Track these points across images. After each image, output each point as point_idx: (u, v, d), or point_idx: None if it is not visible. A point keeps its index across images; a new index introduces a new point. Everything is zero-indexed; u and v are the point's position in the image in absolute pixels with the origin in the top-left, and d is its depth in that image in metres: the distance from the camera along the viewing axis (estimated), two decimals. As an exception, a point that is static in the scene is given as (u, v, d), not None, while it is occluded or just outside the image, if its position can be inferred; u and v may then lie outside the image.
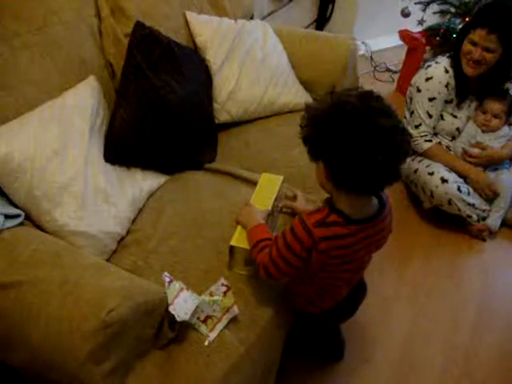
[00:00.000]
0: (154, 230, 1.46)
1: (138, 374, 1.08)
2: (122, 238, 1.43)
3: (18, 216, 1.25)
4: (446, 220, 2.27)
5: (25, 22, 1.42)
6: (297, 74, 2.04)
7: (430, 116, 2.22)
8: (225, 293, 1.23)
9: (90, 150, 1.40)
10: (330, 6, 3.31)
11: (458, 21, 2.96)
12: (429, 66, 2.23)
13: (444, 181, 2.12)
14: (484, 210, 2.21)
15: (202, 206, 1.53)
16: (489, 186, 2.18)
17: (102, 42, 1.63)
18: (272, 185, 1.48)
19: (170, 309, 1.11)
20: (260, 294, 1.31)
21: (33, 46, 1.42)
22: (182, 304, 1.15)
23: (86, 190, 1.34)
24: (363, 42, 3.49)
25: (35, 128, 1.31)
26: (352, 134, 0.95)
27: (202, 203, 1.54)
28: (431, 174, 2.16)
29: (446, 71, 2.17)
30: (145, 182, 1.56)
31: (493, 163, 2.24)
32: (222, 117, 1.86)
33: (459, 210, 2.15)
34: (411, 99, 2.30)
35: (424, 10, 2.94)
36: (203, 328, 1.19)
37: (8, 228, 1.21)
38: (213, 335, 1.19)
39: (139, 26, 1.58)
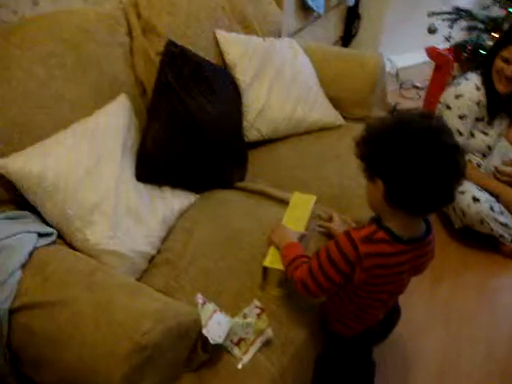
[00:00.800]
0: (184, 249, 1.44)
1: (171, 397, 1.06)
2: (153, 258, 1.42)
3: (50, 234, 1.25)
4: (477, 240, 2.21)
5: (60, 41, 1.44)
6: (325, 91, 2.03)
7: (461, 134, 2.18)
8: (258, 315, 1.20)
9: (122, 168, 1.40)
10: (356, 23, 3.31)
11: (485, 37, 2.93)
12: (459, 83, 2.20)
13: (476, 200, 2.07)
14: (517, 230, 2.15)
15: (233, 226, 1.51)
16: (522, 205, 2.13)
17: (133, 61, 1.64)
18: (304, 205, 1.45)
19: (204, 331, 1.09)
20: (293, 316, 1.28)
21: (67, 64, 1.43)
22: (216, 326, 1.13)
23: (118, 209, 1.34)
24: (388, 59, 3.46)
25: (68, 147, 1.32)
26: (417, 151, 0.94)
27: (232, 223, 1.53)
28: (462, 193, 2.11)
29: (477, 88, 2.14)
30: (175, 200, 1.55)
31: (526, 182, 2.19)
32: (251, 135, 1.85)
33: (492, 229, 2.10)
34: (440, 116, 2.27)
35: (451, 27, 2.92)
36: (236, 351, 1.16)
37: (41, 246, 1.21)
38: (246, 358, 1.16)
39: (171, 44, 1.59)
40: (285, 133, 1.90)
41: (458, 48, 2.90)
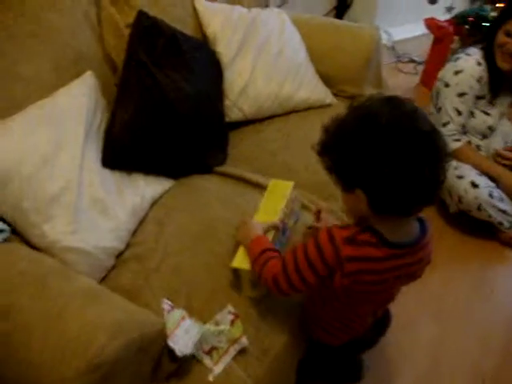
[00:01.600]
0: (156, 243, 1.32)
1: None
2: (122, 252, 1.29)
3: (2, 231, 1.13)
4: (473, 225, 2.10)
5: (11, 9, 1.28)
6: (316, 67, 1.87)
7: (460, 113, 2.04)
8: (232, 321, 1.09)
9: (86, 155, 1.26)
10: (351, -7, 3.12)
11: (488, 7, 2.75)
12: (458, 58, 2.05)
13: (475, 186, 1.95)
14: (517, 216, 2.03)
15: (211, 216, 1.38)
16: (523, 190, 2.00)
17: (101, 33, 1.49)
18: (281, 193, 1.31)
19: (170, 343, 0.98)
20: (272, 320, 1.17)
21: (22, 36, 1.28)
22: (183, 335, 1.02)
23: (81, 200, 1.21)
24: (385, 31, 3.28)
25: (22, 131, 1.18)
26: (396, 147, 0.81)
27: (210, 212, 1.40)
28: (460, 177, 1.98)
29: (479, 64, 1.99)
30: (147, 188, 1.42)
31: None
32: (233, 114, 1.70)
33: (490, 216, 1.98)
34: (438, 94, 2.12)
35: (453, -3, 2.74)
36: (207, 360, 1.06)
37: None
38: (218, 369, 1.05)
39: (142, 15, 1.43)
40: (270, 112, 1.76)
41: (458, 20, 2.73)
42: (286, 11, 1.99)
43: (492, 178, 2.01)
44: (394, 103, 0.86)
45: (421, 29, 3.37)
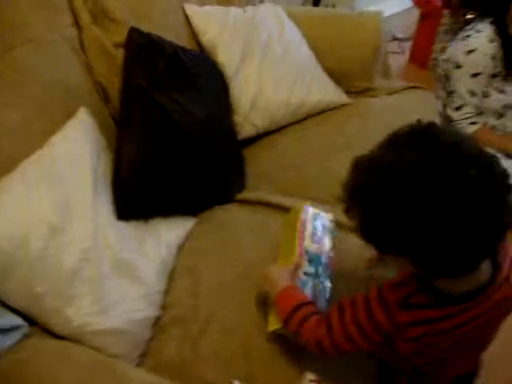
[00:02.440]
0: (194, 299, 1.12)
1: None
2: (158, 318, 1.09)
3: (18, 328, 0.90)
4: None
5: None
6: (321, 64, 1.69)
7: (474, 94, 1.90)
8: None
9: (98, 211, 1.05)
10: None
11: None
12: (468, 35, 1.89)
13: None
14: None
15: (244, 256, 1.20)
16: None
17: (86, 59, 1.26)
18: (294, 224, 1.09)
19: None
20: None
21: (-1, 82, 1.05)
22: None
23: (103, 269, 1.00)
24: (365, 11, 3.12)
25: (20, 198, 0.95)
26: (448, 205, 0.64)
27: (242, 251, 1.21)
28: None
29: (491, 40, 1.84)
30: (170, 233, 1.21)
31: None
32: (245, 131, 1.50)
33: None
34: (448, 76, 1.97)
35: (439, -35, 2.59)
36: None
37: (10, 348, 0.87)
38: None
39: (134, 33, 1.21)
40: (283, 122, 1.56)
41: (446, -8, 2.58)
42: (276, 4, 1.79)
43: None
44: (420, 141, 0.69)
45: (400, 4, 3.23)
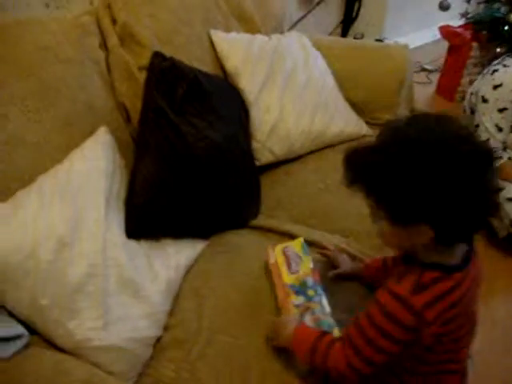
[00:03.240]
0: (198, 322, 1.12)
1: None
2: (159, 338, 1.10)
3: (18, 337, 0.92)
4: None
5: (12, 66, 1.09)
6: (344, 95, 1.69)
7: (500, 129, 1.87)
8: None
9: (108, 229, 1.07)
10: (357, 5, 2.95)
11: (507, 9, 2.60)
12: (495, 70, 1.88)
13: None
14: None
15: (253, 282, 1.19)
16: None
17: (111, 80, 1.30)
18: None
19: None
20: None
21: (24, 96, 1.09)
22: None
23: (108, 286, 1.02)
24: (394, 41, 3.13)
25: (34, 211, 0.98)
26: (461, 171, 0.75)
27: (252, 276, 1.21)
28: (510, 199, 1.81)
29: (519, 76, 1.82)
30: (179, 255, 1.22)
31: None
32: (263, 157, 1.51)
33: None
34: (472, 110, 1.96)
35: (468, 1, 2.58)
36: None
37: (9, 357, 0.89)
38: None
39: (157, 56, 1.25)
40: (302, 151, 1.57)
41: (476, 25, 2.57)
42: (301, 32, 1.81)
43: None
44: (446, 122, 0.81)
45: (431, 36, 3.22)
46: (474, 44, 2.61)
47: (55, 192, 1.03)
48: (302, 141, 1.54)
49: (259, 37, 1.57)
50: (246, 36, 1.55)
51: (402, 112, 1.78)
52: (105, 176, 1.10)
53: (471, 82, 2.26)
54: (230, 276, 1.23)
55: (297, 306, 1.03)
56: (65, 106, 1.15)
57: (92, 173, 1.08)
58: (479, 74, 2.07)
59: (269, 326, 1.05)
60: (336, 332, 0.99)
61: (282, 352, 1.01)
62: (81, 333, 0.96)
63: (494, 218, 1.88)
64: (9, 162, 1.04)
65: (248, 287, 1.19)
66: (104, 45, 1.31)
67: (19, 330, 0.93)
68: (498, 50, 2.40)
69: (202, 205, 1.27)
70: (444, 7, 2.68)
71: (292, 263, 1.12)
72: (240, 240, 1.34)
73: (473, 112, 1.96)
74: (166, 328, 1.12)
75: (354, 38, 3.02)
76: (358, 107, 1.71)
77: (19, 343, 0.92)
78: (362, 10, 2.97)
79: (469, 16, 2.60)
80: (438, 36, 2.86)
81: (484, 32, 2.56)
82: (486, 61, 2.41)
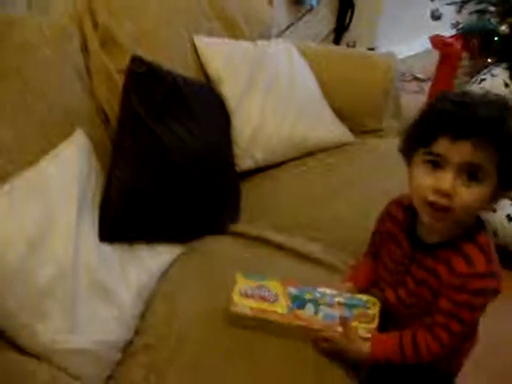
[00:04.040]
0: (168, 327, 1.11)
1: None
2: (129, 341, 1.09)
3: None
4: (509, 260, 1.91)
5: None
6: (329, 101, 1.70)
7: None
8: None
9: (81, 232, 1.06)
10: (350, 13, 2.96)
11: (497, 21, 2.61)
12: (483, 79, 1.90)
13: (510, 219, 1.78)
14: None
15: (225, 291, 1.17)
16: None
17: (91, 83, 1.30)
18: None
19: None
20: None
21: (1, 97, 1.09)
22: None
23: (77, 288, 1.01)
24: (387, 50, 3.14)
25: (3, 213, 0.98)
26: None
27: (224, 285, 1.18)
28: (494, 210, 1.81)
29: (506, 85, 1.84)
30: (153, 259, 1.22)
31: None
32: (244, 164, 1.51)
33: (529, 250, 1.81)
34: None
35: (459, 11, 2.59)
36: None
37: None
38: None
39: (135, 61, 1.25)
40: (284, 157, 1.57)
41: (466, 35, 2.58)
42: (288, 39, 1.82)
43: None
44: None
45: (422, 45, 3.23)
46: (465, 54, 2.62)
47: (26, 194, 1.02)
48: (284, 147, 1.55)
49: (243, 43, 1.58)
50: (230, 41, 1.56)
51: (389, 120, 1.79)
52: (78, 179, 1.10)
53: (460, 92, 2.27)
54: (203, 282, 1.22)
55: (315, 315, 1.02)
56: (42, 108, 1.15)
57: (65, 176, 1.08)
58: (467, 83, 2.08)
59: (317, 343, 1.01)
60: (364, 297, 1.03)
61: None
62: (47, 335, 0.95)
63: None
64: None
65: (221, 294, 1.17)
66: (85, 48, 1.31)
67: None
68: (489, 60, 2.41)
69: (179, 210, 1.27)
70: (436, 17, 2.69)
71: (263, 294, 1.07)
72: (218, 246, 1.34)
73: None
74: (137, 332, 1.11)
75: (347, 46, 3.04)
76: (342, 115, 1.71)
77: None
78: (355, 18, 2.98)
79: (460, 26, 2.61)
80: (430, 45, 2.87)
81: (475, 42, 2.57)
82: (476, 71, 2.42)
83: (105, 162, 1.24)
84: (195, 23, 1.53)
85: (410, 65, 3.24)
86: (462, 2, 2.56)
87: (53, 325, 0.96)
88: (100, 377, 1.01)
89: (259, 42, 1.63)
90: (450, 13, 2.68)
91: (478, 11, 2.60)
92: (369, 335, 0.97)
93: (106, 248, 1.13)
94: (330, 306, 1.04)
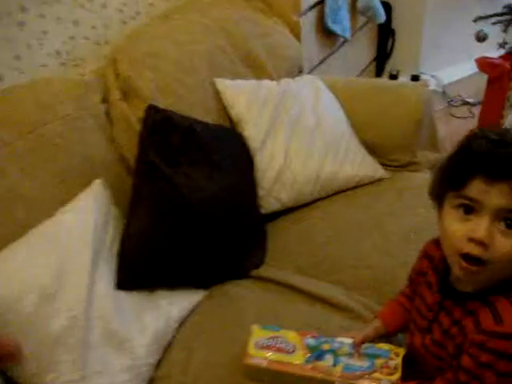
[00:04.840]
0: (184, 376, 1.10)
1: None
2: (143, 391, 1.09)
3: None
4: None
5: (13, 125, 1.16)
6: (359, 136, 1.65)
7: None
8: None
9: (96, 280, 1.08)
10: (391, 41, 2.91)
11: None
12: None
13: None
14: None
15: (247, 337, 1.15)
16: None
17: (112, 133, 1.34)
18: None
19: None
20: None
21: (24, 154, 1.15)
22: None
23: (90, 337, 1.02)
24: (432, 76, 3.03)
25: (20, 263, 1.02)
26: None
27: (245, 332, 1.15)
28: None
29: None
30: (172, 306, 1.22)
31: None
32: (269, 205, 1.49)
33: None
34: None
35: (505, 31, 2.47)
36: None
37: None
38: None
39: (151, 109, 1.28)
40: (311, 197, 1.52)
41: (515, 55, 2.45)
42: (323, 73, 1.80)
43: None
44: None
45: (470, 68, 3.09)
46: (515, 74, 2.48)
47: (42, 244, 1.06)
48: (310, 187, 1.50)
49: (266, 82, 1.57)
50: (252, 82, 1.56)
51: (424, 152, 1.71)
52: (94, 229, 1.12)
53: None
54: (223, 330, 1.20)
55: (334, 366, 0.98)
56: (62, 160, 1.20)
57: (80, 225, 1.11)
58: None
59: None
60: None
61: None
62: (57, 385, 0.97)
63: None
64: (4, 216, 1.09)
65: (241, 342, 1.15)
66: (106, 99, 1.36)
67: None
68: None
69: (199, 256, 1.26)
70: (481, 38, 2.57)
71: (280, 345, 1.03)
72: (240, 291, 1.31)
73: None
74: (153, 380, 1.11)
75: (390, 75, 2.97)
76: (373, 149, 1.65)
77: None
78: (397, 46, 2.92)
79: (508, 46, 2.48)
80: (478, 68, 2.75)
81: (525, 62, 2.43)
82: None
83: (126, 209, 1.27)
84: (218, 65, 1.55)
85: (459, 89, 3.11)
86: (508, 20, 2.44)
87: (63, 375, 0.98)
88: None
89: (282, 80, 1.62)
90: (496, 32, 2.56)
91: (525, 29, 2.46)
92: None
93: (123, 295, 1.14)
94: (350, 356, 0.99)
